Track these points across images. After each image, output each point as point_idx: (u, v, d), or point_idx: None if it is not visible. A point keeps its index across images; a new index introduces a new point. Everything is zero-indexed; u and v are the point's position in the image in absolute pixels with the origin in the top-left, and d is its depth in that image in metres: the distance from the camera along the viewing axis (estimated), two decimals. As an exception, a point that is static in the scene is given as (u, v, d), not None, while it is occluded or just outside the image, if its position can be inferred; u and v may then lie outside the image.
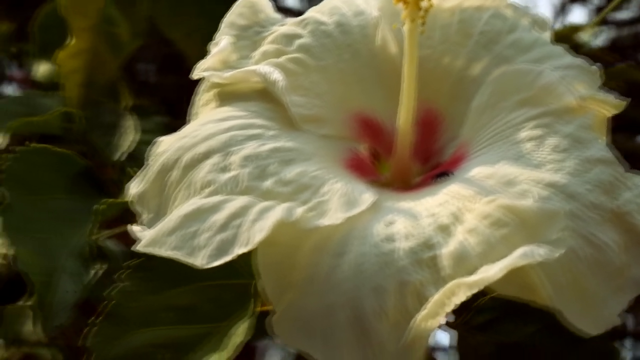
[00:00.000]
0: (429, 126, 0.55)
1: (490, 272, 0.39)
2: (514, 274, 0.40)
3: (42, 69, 0.95)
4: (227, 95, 0.53)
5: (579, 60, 0.54)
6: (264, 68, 0.52)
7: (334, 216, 0.43)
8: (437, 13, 0.55)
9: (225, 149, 0.47)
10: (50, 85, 0.92)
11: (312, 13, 0.57)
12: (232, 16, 0.57)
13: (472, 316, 0.54)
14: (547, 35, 0.57)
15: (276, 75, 0.51)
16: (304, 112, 0.52)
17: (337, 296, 0.40)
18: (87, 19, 0.88)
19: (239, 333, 0.48)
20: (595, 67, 0.54)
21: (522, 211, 0.42)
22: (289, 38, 0.55)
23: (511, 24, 0.55)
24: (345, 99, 0.55)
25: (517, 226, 0.42)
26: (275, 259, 0.42)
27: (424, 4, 0.50)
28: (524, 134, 0.49)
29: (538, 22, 0.57)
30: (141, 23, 0.93)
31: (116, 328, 0.51)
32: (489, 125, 0.51)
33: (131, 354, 0.50)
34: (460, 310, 0.54)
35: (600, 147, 0.48)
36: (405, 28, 0.51)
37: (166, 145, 0.50)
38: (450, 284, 0.39)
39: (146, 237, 0.43)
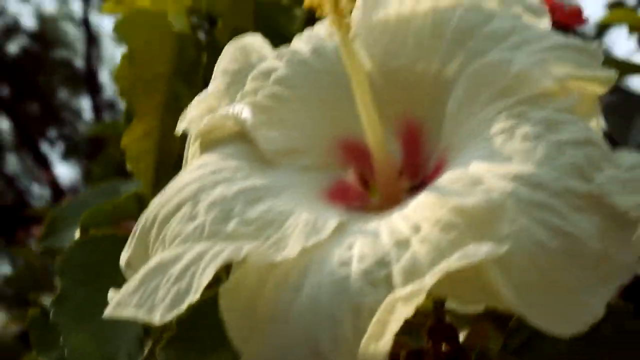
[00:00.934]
0: (412, 139, 0.53)
1: (425, 281, 0.34)
2: (475, 279, 0.36)
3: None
4: (208, 144, 0.53)
5: (568, 40, 0.50)
6: (235, 108, 0.51)
7: (291, 249, 0.41)
8: (411, 19, 0.52)
9: (194, 197, 0.47)
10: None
11: (293, 42, 0.56)
12: (223, 62, 0.56)
13: (507, 341, 0.49)
14: (543, 22, 0.52)
15: (245, 114, 0.50)
16: (278, 147, 0.51)
17: (295, 333, 0.39)
18: (153, 98, 0.90)
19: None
20: (592, 45, 0.49)
21: (469, 210, 0.39)
22: (266, 73, 0.54)
23: (487, 14, 0.51)
24: (326, 126, 0.53)
25: (466, 227, 0.39)
26: (239, 304, 0.41)
27: (344, 5, 0.47)
28: (495, 127, 0.45)
29: (532, 9, 0.53)
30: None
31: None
32: (465, 124, 0.48)
33: None
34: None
35: (578, 127, 0.44)
36: (337, 39, 0.48)
37: (150, 206, 0.49)
38: (386, 300, 0.35)
39: (113, 300, 0.43)
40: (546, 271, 0.38)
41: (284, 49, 0.55)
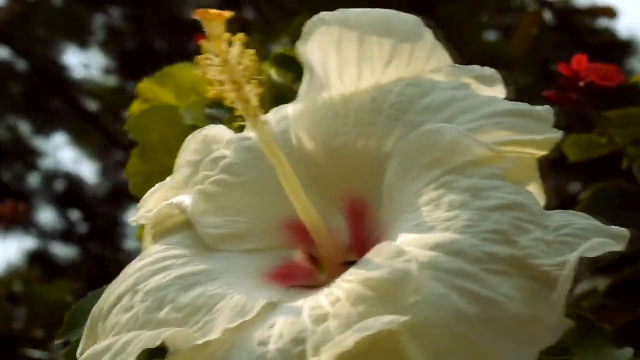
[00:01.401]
0: (357, 215, 0.52)
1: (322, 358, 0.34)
2: (394, 350, 0.36)
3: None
4: (159, 234, 0.53)
5: (514, 106, 0.50)
6: (179, 197, 0.52)
7: (215, 331, 0.41)
8: (353, 97, 0.53)
9: (132, 288, 0.48)
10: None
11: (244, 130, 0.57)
12: (185, 153, 0.57)
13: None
14: (494, 90, 0.52)
15: (187, 202, 0.51)
16: (220, 232, 0.51)
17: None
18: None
19: None
20: (539, 109, 0.49)
21: (377, 282, 0.39)
22: (215, 161, 0.55)
23: (426, 87, 0.52)
24: (271, 209, 0.53)
25: (376, 299, 0.39)
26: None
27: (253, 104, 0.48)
28: (424, 198, 0.45)
29: (482, 78, 0.53)
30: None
31: None
32: (400, 197, 0.47)
33: None
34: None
35: (505, 192, 0.43)
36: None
37: (100, 298, 0.50)
38: None
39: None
40: (463, 338, 0.37)
41: (234, 136, 0.56)
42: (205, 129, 0.59)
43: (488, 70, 0.53)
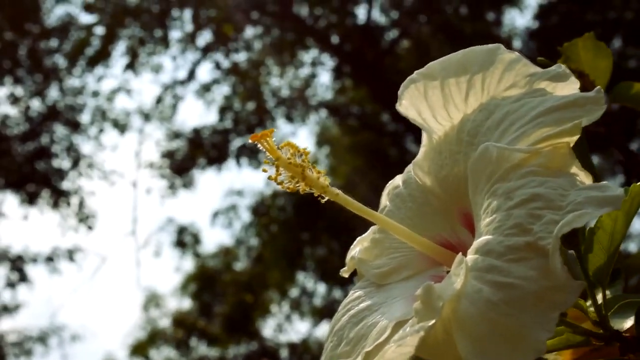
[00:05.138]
0: (471, 228, 0.62)
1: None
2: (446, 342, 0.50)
3: None
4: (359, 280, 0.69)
5: (560, 100, 0.57)
6: (351, 253, 0.68)
7: (360, 355, 0.56)
8: (448, 132, 0.65)
9: (331, 330, 0.64)
10: None
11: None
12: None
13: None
14: (564, 86, 0.59)
15: (354, 253, 0.67)
16: (381, 271, 0.67)
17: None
18: None
19: None
20: (588, 94, 0.56)
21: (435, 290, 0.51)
22: (381, 210, 0.70)
23: (491, 109, 0.61)
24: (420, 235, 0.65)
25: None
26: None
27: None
28: (483, 208, 0.55)
29: (555, 77, 0.60)
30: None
31: None
32: (476, 210, 0.57)
33: None
34: None
35: (529, 187, 0.52)
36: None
37: None
38: None
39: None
40: (494, 322, 0.49)
41: (391, 185, 0.71)
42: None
43: (559, 69, 0.60)
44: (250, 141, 0.63)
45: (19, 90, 7.75)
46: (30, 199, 7.82)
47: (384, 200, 0.72)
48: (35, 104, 7.84)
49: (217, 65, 7.94)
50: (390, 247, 0.67)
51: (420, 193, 0.67)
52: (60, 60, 7.73)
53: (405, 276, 0.65)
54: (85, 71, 7.71)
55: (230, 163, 7.92)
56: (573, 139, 0.55)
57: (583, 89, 1.20)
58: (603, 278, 0.64)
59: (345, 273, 0.71)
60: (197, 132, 7.97)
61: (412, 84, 0.65)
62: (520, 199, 0.52)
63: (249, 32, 7.75)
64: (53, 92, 7.83)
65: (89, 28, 7.58)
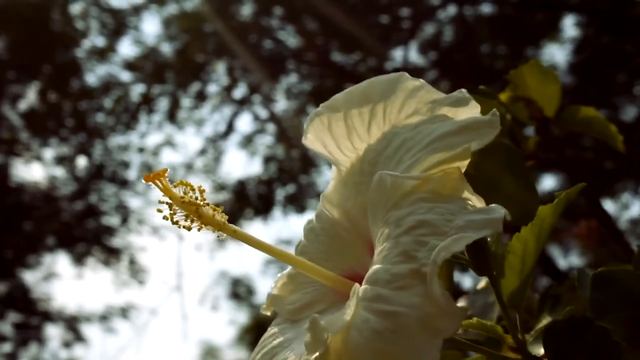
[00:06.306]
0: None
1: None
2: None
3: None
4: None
5: (454, 125, 0.57)
6: (269, 291, 0.68)
7: None
8: (353, 163, 0.65)
9: None
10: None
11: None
12: None
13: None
14: (469, 109, 0.59)
15: (269, 291, 0.66)
16: (295, 307, 0.66)
17: None
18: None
19: None
20: (484, 117, 0.56)
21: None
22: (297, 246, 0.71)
23: (390, 138, 0.61)
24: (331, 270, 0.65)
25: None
26: None
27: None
28: (378, 237, 0.56)
29: (455, 102, 0.60)
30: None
31: None
32: (375, 241, 0.57)
33: None
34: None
35: (417, 214, 0.53)
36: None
37: None
38: None
39: None
40: (381, 351, 0.48)
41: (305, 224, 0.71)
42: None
43: (460, 94, 0.60)
44: (143, 181, 0.63)
45: (65, 150, 7.79)
46: (81, 258, 7.79)
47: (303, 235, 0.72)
48: (82, 163, 7.89)
49: (256, 117, 7.94)
50: (304, 282, 0.67)
51: (331, 226, 0.67)
52: (103, 118, 7.76)
53: (318, 310, 0.64)
54: (128, 127, 7.72)
55: (277, 212, 7.85)
56: (464, 164, 0.55)
57: (531, 116, 1.21)
58: (518, 302, 0.64)
59: (265, 311, 0.71)
60: (241, 183, 7.94)
61: (316, 117, 0.65)
62: (408, 226, 0.52)
63: (289, 80, 7.73)
64: (98, 150, 7.86)
65: (128, 85, 7.60)
